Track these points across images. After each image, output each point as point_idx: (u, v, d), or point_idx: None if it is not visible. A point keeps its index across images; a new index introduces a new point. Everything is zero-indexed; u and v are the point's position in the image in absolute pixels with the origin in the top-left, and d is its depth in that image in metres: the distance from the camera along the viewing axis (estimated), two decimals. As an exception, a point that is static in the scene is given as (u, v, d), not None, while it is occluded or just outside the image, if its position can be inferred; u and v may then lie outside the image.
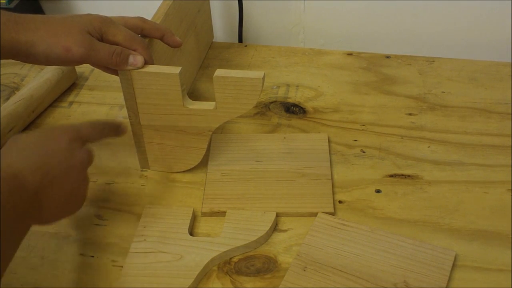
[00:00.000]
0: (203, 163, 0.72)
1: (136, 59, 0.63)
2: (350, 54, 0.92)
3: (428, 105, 0.81)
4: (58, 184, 0.54)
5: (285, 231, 0.65)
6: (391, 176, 0.71)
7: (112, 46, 0.62)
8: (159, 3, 0.75)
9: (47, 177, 0.53)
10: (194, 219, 0.67)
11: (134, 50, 0.63)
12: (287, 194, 0.68)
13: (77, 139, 0.58)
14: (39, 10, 1.03)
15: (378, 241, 0.62)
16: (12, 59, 0.62)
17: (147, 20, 0.68)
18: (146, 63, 0.64)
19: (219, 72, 0.62)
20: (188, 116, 0.66)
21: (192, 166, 0.72)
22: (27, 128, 0.81)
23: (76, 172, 0.57)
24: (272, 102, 0.83)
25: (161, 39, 0.68)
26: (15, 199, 0.49)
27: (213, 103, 0.65)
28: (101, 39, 0.63)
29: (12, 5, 0.96)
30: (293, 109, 0.82)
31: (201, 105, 0.66)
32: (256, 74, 0.62)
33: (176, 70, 0.63)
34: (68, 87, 0.88)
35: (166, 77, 0.63)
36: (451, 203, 0.67)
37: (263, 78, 0.61)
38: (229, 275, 0.61)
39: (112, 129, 0.64)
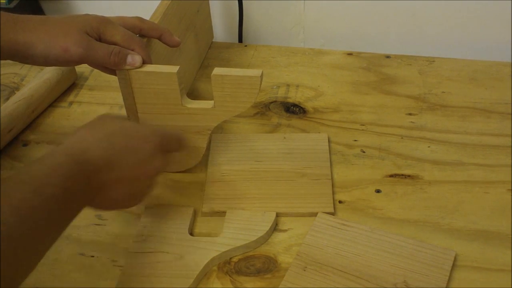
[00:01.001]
0: (203, 163, 0.72)
1: (134, 58, 0.63)
2: (350, 54, 0.92)
3: (428, 105, 0.81)
4: (127, 182, 0.56)
5: (285, 231, 0.65)
6: (391, 176, 0.71)
7: (110, 46, 0.62)
8: (158, 3, 0.75)
9: (119, 171, 0.54)
10: (194, 219, 0.67)
11: (132, 50, 0.63)
12: (287, 194, 0.68)
13: (161, 147, 0.59)
14: (39, 10, 1.03)
15: (378, 241, 0.62)
16: (11, 59, 0.62)
17: (145, 20, 0.68)
18: (144, 62, 0.64)
19: (217, 71, 0.62)
20: (186, 115, 0.66)
21: (192, 165, 0.72)
22: (27, 128, 0.81)
23: (149, 178, 0.58)
24: (272, 102, 0.83)
25: (159, 38, 0.68)
26: (79, 179, 0.50)
27: (212, 101, 0.65)
28: (99, 39, 0.63)
29: (12, 5, 0.96)
30: (293, 109, 0.82)
31: (199, 104, 0.66)
32: (254, 72, 0.61)
33: (174, 69, 0.63)
34: (68, 87, 0.88)
35: (164, 76, 0.63)
36: (451, 203, 0.67)
37: (261, 76, 0.61)
38: (229, 275, 0.61)
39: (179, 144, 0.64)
